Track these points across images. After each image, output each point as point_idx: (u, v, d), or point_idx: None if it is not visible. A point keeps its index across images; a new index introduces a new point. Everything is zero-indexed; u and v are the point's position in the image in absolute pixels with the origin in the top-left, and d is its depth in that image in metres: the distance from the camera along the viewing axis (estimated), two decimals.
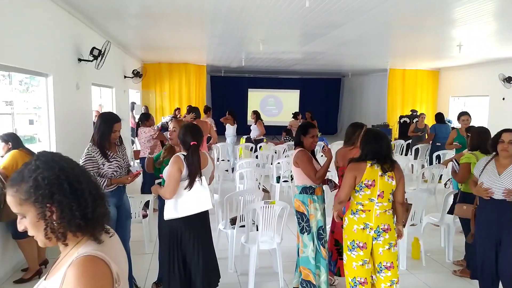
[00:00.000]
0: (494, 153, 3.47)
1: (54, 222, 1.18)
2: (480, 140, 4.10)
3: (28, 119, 6.59)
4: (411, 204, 4.20)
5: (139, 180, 7.03)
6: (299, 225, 3.70)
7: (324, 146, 3.77)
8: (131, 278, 3.79)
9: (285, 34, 7.70)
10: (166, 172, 3.18)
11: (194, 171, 3.09)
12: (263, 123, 10.12)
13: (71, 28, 6.07)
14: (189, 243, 3.20)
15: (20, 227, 1.20)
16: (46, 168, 1.18)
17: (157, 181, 6.17)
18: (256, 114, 10.06)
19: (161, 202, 3.69)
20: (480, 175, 3.48)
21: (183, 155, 3.14)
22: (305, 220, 3.65)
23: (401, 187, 3.10)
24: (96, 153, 3.35)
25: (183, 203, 3.11)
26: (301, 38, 8.28)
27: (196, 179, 3.11)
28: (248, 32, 7.65)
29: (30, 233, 1.21)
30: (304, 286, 3.68)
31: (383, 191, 3.01)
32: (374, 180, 3.01)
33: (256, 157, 8.03)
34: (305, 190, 3.66)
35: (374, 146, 3.05)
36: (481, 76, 12.00)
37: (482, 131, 4.20)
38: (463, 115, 6.38)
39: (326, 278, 3.67)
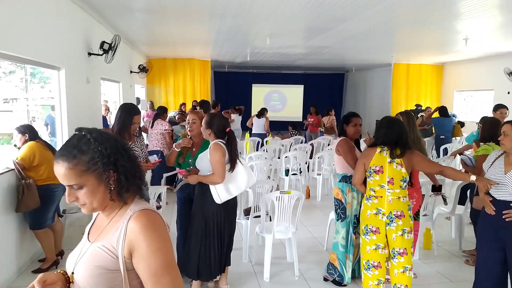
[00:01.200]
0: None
1: (117, 186, 1.29)
2: (492, 132, 4.10)
3: (30, 117, 6.64)
4: (441, 185, 4.21)
5: (148, 173, 7.07)
6: (335, 212, 3.82)
7: (367, 135, 3.84)
8: None
9: (293, 28, 7.71)
10: (208, 160, 3.34)
11: (234, 155, 3.38)
12: (268, 120, 10.19)
13: (81, 22, 6.10)
14: (222, 227, 3.46)
15: (70, 199, 1.27)
16: (104, 140, 1.29)
17: (165, 174, 6.26)
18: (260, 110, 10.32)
19: (185, 192, 3.72)
20: (487, 170, 3.12)
21: (222, 142, 3.35)
22: (341, 207, 3.75)
23: (425, 167, 3.23)
24: None
25: (232, 184, 3.38)
26: (308, 32, 8.30)
27: (238, 161, 3.42)
28: (256, 26, 7.68)
29: (81, 202, 1.28)
30: (329, 268, 3.86)
31: (392, 178, 3.06)
32: (382, 166, 3.09)
33: (264, 150, 8.07)
34: (345, 178, 3.74)
35: (384, 131, 3.13)
36: (485, 70, 12.01)
37: (495, 122, 4.21)
38: (501, 108, 6.07)
39: (351, 265, 3.76)
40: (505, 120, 5.79)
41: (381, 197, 3.08)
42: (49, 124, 7.42)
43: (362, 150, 3.51)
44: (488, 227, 3.05)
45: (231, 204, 3.54)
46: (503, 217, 2.90)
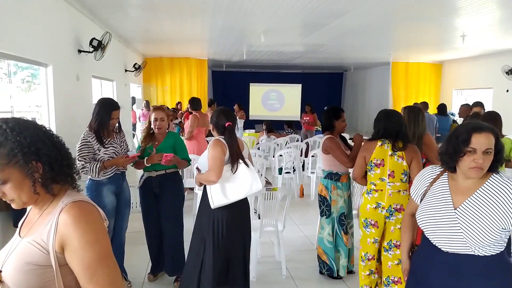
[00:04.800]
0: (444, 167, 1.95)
1: (42, 177, 1.21)
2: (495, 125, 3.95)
3: (30, 118, 6.60)
4: None
5: (140, 170, 6.98)
6: (319, 208, 3.80)
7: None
8: (122, 271, 3.65)
9: (286, 24, 7.63)
10: (204, 156, 3.02)
11: (235, 152, 2.98)
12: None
13: (71, 19, 6.02)
14: (232, 235, 3.01)
15: None
16: (22, 128, 1.20)
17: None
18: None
19: (147, 186, 3.64)
20: (421, 200, 1.99)
21: (223, 138, 3.00)
22: (325, 204, 3.73)
23: (415, 168, 3.01)
24: (91, 138, 3.29)
25: (232, 187, 2.95)
26: (303, 28, 8.21)
27: (240, 161, 2.99)
28: (249, 23, 7.59)
29: (9, 197, 1.21)
30: (319, 261, 3.85)
31: (393, 171, 3.02)
32: (383, 159, 3.04)
33: (258, 149, 7.99)
34: (330, 175, 3.72)
35: (384, 123, 3.09)
36: (484, 68, 11.90)
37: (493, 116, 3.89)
38: (475, 106, 5.95)
39: (345, 263, 3.74)
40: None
41: (381, 190, 3.05)
42: None
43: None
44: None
45: (239, 210, 3.04)
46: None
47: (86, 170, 3.25)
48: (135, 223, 5.15)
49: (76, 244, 1.17)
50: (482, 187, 1.80)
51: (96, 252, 1.18)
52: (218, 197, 2.92)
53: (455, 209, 1.82)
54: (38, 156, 1.20)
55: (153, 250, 3.84)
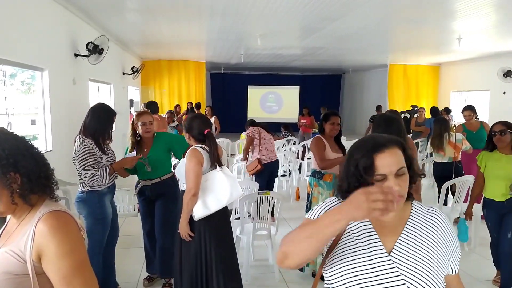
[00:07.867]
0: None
1: (20, 188, 1.24)
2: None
3: (30, 119, 6.61)
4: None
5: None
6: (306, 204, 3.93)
7: None
8: (114, 284, 3.53)
9: (283, 28, 7.66)
10: (180, 168, 2.94)
11: (216, 159, 2.93)
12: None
13: (67, 23, 6.05)
14: (211, 244, 2.94)
15: None
16: (1, 141, 1.24)
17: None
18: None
19: (144, 194, 3.61)
20: (340, 254, 1.34)
21: (200, 147, 2.94)
22: (309, 199, 3.86)
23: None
24: (93, 146, 3.14)
25: (212, 198, 2.88)
26: (300, 32, 8.24)
27: (219, 170, 2.93)
28: (246, 26, 7.62)
29: None
30: None
31: None
32: None
33: None
34: (314, 173, 3.85)
35: (384, 129, 3.03)
36: (481, 70, 11.93)
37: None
38: (465, 110, 6.14)
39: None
40: (473, 121, 5.96)
41: None
42: None
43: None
44: None
45: (217, 214, 2.96)
46: None
47: (97, 179, 3.09)
48: (130, 227, 5.18)
49: (53, 254, 1.19)
50: (409, 221, 1.36)
51: (72, 261, 1.20)
52: (200, 209, 2.86)
53: (388, 254, 1.30)
54: (16, 168, 1.23)
55: (147, 252, 3.86)
